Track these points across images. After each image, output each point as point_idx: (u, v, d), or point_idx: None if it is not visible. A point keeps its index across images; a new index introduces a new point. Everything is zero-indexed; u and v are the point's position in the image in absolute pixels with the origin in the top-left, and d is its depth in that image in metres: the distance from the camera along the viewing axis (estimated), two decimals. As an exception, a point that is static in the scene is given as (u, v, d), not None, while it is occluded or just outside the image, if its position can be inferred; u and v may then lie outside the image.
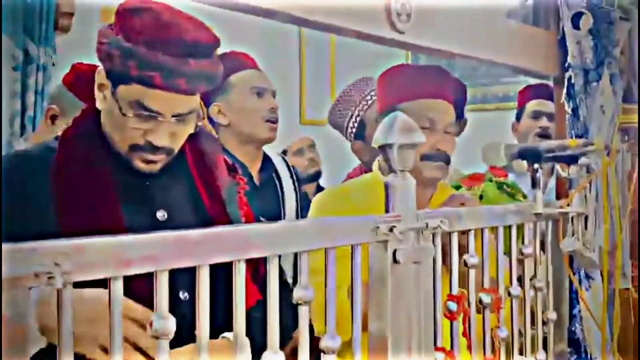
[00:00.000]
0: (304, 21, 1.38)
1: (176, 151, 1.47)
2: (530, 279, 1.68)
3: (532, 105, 3.00)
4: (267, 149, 2.49)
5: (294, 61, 4.97)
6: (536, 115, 2.96)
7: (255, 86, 2.35)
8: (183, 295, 1.40)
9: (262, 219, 2.22)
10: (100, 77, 1.45)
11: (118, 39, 1.39)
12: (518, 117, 3.09)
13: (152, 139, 1.42)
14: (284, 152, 3.85)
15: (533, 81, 2.94)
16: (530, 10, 2.02)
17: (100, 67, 1.45)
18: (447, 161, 1.91)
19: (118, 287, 0.86)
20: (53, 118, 2.20)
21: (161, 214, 1.47)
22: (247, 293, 0.98)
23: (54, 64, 3.28)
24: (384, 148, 1.27)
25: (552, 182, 2.12)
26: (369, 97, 2.55)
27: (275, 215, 2.35)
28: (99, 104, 1.46)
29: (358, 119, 2.54)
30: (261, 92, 2.35)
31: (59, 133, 2.17)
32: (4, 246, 0.77)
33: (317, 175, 3.92)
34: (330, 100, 4.13)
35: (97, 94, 1.46)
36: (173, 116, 1.41)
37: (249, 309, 1.00)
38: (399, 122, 1.27)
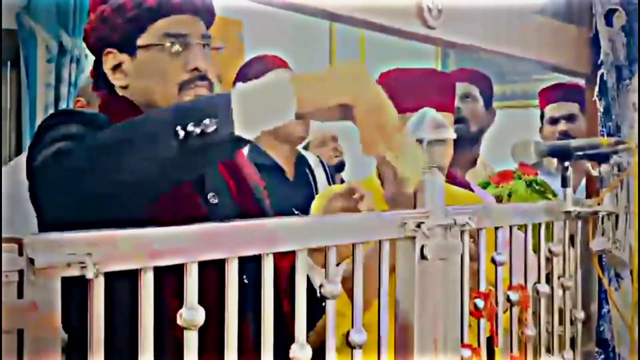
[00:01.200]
0: (335, 16, 1.38)
1: (214, 87, 1.45)
2: (559, 278, 1.67)
3: (548, 111, 2.99)
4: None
5: (324, 57, 4.97)
6: (553, 120, 2.94)
7: None
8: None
9: (296, 212, 2.24)
10: (110, 59, 1.43)
11: (114, 2, 1.40)
12: (542, 121, 3.07)
13: (193, 64, 1.40)
14: (306, 146, 3.87)
15: (552, 79, 2.92)
16: (563, 7, 2.01)
17: (107, 51, 1.43)
18: (441, 170, 1.86)
19: (148, 278, 0.87)
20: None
21: (213, 197, 1.45)
22: None
23: (86, 56, 3.33)
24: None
25: (583, 181, 2.10)
26: None
27: (309, 210, 2.37)
28: (120, 82, 1.43)
29: None
30: None
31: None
32: (38, 236, 0.78)
33: (341, 165, 3.94)
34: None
35: (115, 77, 1.43)
36: (200, 38, 1.42)
37: None
38: (429, 118, 1.27)
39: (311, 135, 3.98)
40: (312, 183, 2.48)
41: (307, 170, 2.49)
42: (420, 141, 1.26)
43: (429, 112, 1.29)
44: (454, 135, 1.31)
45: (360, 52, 5.08)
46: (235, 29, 4.11)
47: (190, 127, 1.06)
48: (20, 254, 0.76)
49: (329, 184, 2.53)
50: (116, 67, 1.43)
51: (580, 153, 1.73)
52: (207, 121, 1.06)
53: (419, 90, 1.85)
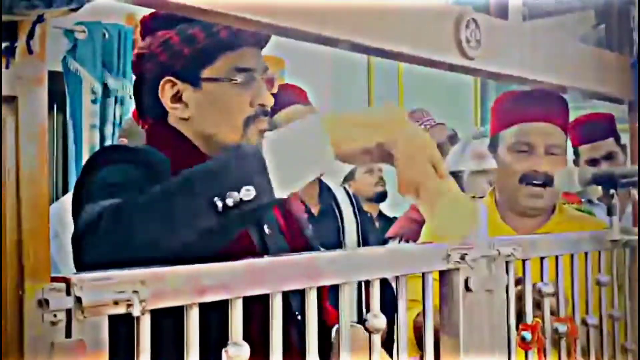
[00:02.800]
0: (372, 49, 1.39)
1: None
2: (608, 308, 1.64)
3: (585, 152, 2.88)
4: (328, 178, 2.50)
5: (363, 90, 5.00)
6: (593, 162, 2.85)
7: None
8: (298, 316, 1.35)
9: (321, 249, 2.24)
10: (168, 87, 1.37)
11: (182, 30, 1.36)
12: (576, 156, 2.95)
13: (260, 100, 1.38)
14: (352, 173, 3.87)
15: (592, 107, 2.85)
16: (603, 34, 1.99)
17: (167, 79, 1.38)
18: (549, 183, 1.87)
19: (194, 314, 0.87)
20: None
21: (267, 229, 1.43)
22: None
23: (130, 97, 3.39)
24: (455, 174, 1.26)
25: (629, 208, 2.07)
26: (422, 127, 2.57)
27: (335, 244, 2.36)
28: (181, 113, 1.38)
29: None
30: None
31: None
32: (85, 274, 0.80)
33: (384, 195, 3.95)
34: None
35: (174, 107, 1.38)
36: (264, 72, 1.40)
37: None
38: (470, 149, 1.27)
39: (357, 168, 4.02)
40: (339, 217, 2.46)
41: (333, 204, 2.47)
42: (461, 172, 1.26)
43: (470, 143, 1.29)
44: (495, 165, 1.30)
45: (398, 84, 5.09)
46: (278, 66, 4.16)
47: (228, 199, 0.97)
48: (68, 293, 0.77)
49: (356, 216, 2.51)
50: (174, 97, 1.38)
51: (625, 180, 1.70)
52: (246, 190, 0.97)
53: (526, 106, 1.89)
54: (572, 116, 3.24)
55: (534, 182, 1.86)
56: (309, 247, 1.53)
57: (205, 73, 1.37)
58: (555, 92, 1.96)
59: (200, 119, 1.38)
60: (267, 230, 1.44)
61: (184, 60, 1.36)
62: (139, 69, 1.42)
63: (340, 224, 2.44)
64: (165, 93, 1.38)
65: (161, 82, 1.38)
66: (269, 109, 1.40)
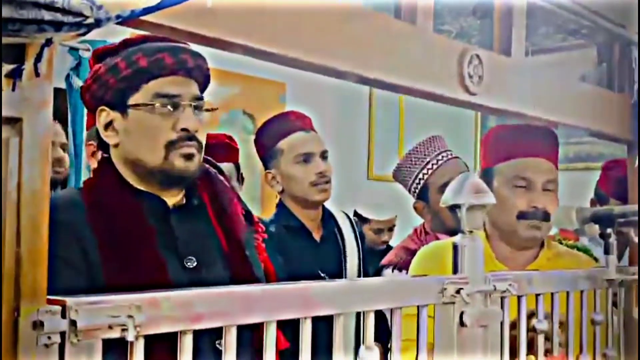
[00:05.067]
0: (377, 82, 1.40)
1: (203, 148, 1.46)
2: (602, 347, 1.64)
3: (613, 205, 2.80)
4: (332, 205, 2.50)
5: (364, 119, 5.01)
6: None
7: (302, 153, 2.33)
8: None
9: (322, 274, 2.23)
10: (103, 116, 1.45)
11: (109, 62, 1.44)
12: (602, 200, 2.84)
13: (183, 124, 1.42)
14: (365, 220, 3.75)
15: (593, 142, 2.79)
16: (605, 74, 2.01)
17: (100, 108, 1.45)
18: (546, 218, 1.87)
19: (188, 341, 0.87)
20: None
21: (189, 261, 1.43)
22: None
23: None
24: (452, 208, 1.27)
25: (626, 255, 2.07)
26: (437, 159, 2.54)
27: (336, 271, 2.35)
28: (111, 140, 1.46)
29: (422, 181, 2.52)
30: (308, 158, 2.34)
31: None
32: (81, 298, 0.80)
33: (386, 249, 3.89)
34: (398, 157, 4.14)
35: (107, 134, 1.46)
36: (191, 99, 1.44)
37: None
38: (469, 183, 1.27)
39: (355, 195, 3.95)
40: (340, 243, 2.45)
41: (336, 230, 2.46)
42: (459, 206, 1.26)
43: (469, 177, 1.29)
44: (493, 200, 1.30)
45: (399, 115, 5.11)
46: (279, 90, 4.18)
47: None
48: (63, 316, 0.77)
49: (357, 244, 2.50)
50: (108, 125, 1.46)
51: (622, 220, 1.70)
52: None
53: (524, 141, 1.89)
54: (570, 152, 3.23)
55: (533, 219, 1.84)
56: (251, 271, 1.49)
57: (131, 100, 1.43)
58: (547, 128, 1.95)
59: (126, 144, 1.44)
60: (187, 264, 1.43)
61: (112, 89, 1.43)
62: (87, 103, 1.50)
63: (342, 252, 2.43)
64: (100, 121, 1.46)
65: (97, 112, 1.46)
66: (194, 134, 1.43)
